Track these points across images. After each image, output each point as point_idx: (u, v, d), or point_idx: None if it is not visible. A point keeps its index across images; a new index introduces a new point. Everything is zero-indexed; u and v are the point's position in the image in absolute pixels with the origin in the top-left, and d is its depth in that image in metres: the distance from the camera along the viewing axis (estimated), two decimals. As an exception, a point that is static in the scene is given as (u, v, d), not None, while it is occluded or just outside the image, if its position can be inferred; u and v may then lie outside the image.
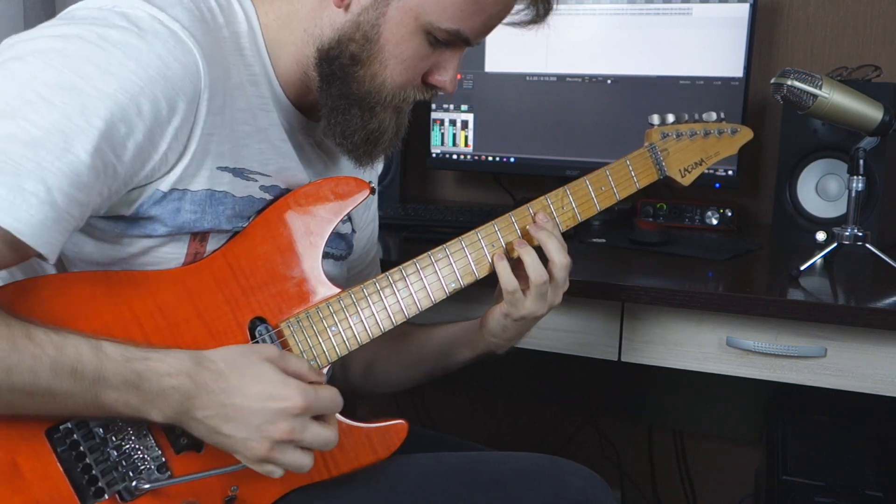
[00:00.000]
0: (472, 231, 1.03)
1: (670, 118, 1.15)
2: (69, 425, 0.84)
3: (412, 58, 0.94)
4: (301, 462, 0.85)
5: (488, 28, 0.95)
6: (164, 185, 0.86)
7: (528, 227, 1.03)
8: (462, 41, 0.94)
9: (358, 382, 1.21)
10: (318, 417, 0.86)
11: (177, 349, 0.84)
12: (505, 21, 0.97)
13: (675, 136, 1.15)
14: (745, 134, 1.21)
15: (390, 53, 0.93)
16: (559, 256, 1.01)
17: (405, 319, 0.99)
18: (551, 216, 1.05)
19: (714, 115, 1.18)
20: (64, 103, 0.77)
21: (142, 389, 0.80)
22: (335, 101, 0.95)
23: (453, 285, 1.01)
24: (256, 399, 0.82)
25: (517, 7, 0.97)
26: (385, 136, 0.98)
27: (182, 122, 0.84)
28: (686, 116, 1.17)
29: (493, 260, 1.02)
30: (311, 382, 0.86)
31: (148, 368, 0.80)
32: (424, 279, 1.00)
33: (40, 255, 0.78)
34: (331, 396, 0.87)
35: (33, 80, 0.77)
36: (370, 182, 1.01)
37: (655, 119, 1.15)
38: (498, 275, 1.01)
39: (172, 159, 0.85)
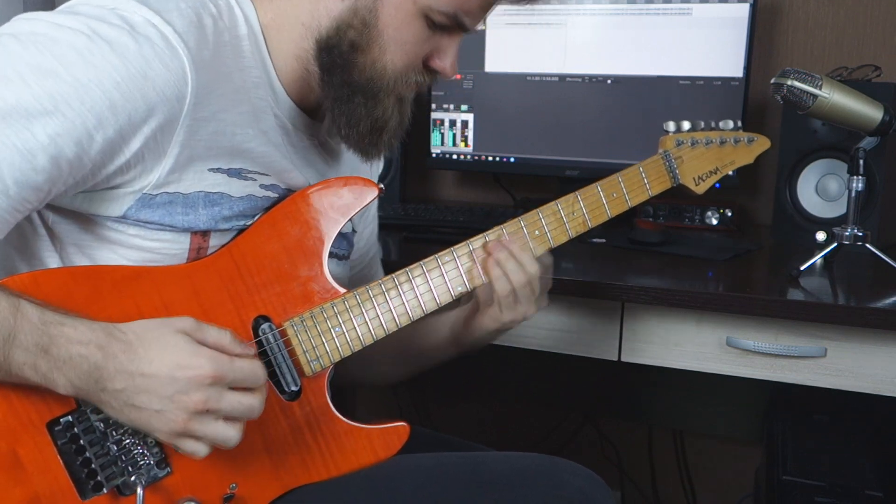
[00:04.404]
0: (480, 235, 1.03)
1: (685, 125, 1.14)
2: (70, 418, 0.84)
3: (411, 41, 0.94)
4: (225, 434, 0.82)
5: (484, 9, 0.96)
6: (150, 187, 0.86)
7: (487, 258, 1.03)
8: (459, 25, 0.95)
9: (356, 375, 1.22)
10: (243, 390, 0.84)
11: (93, 320, 0.82)
12: None
13: (689, 144, 1.14)
14: (763, 143, 1.20)
15: (389, 38, 0.93)
16: (516, 277, 1.02)
17: (410, 322, 0.99)
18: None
19: (731, 124, 1.17)
20: (38, 85, 0.78)
21: (50, 354, 0.78)
22: (338, 91, 0.95)
23: (460, 288, 1.01)
24: (164, 368, 0.80)
25: None
26: (389, 125, 0.98)
27: (161, 126, 0.84)
28: (702, 124, 1.16)
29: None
30: (235, 355, 0.84)
31: (60, 333, 0.79)
32: (430, 281, 1.00)
33: None
34: (250, 367, 0.84)
35: (17, 59, 0.79)
36: (372, 183, 1.01)
37: (671, 126, 1.14)
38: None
39: (150, 161, 0.85)
